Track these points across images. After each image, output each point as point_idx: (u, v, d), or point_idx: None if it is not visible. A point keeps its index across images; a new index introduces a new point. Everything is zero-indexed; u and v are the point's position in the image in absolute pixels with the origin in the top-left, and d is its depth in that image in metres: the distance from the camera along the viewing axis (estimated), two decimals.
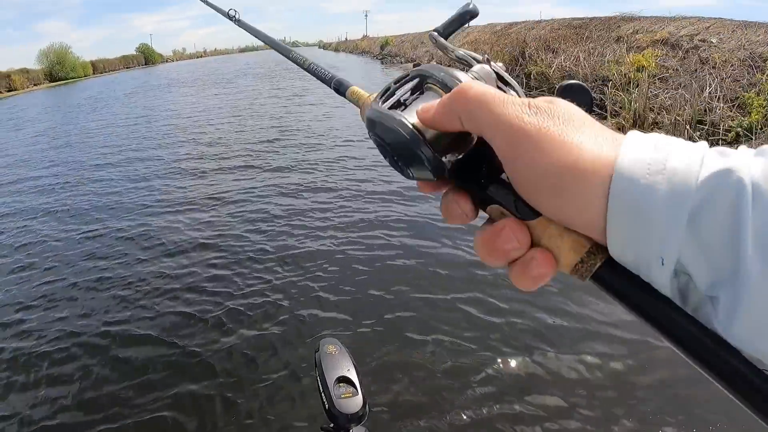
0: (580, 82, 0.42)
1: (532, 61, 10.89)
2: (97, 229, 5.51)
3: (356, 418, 1.34)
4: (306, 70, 0.72)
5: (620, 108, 8.20)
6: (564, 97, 0.34)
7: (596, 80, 9.31)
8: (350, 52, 50.50)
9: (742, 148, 0.27)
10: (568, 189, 0.27)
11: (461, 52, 0.47)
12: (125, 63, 70.27)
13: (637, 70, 8.95)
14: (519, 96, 0.36)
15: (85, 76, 57.12)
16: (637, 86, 8.34)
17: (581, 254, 0.30)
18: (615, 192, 0.26)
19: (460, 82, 0.36)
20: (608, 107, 8.45)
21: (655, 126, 7.88)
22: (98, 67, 62.85)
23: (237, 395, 2.85)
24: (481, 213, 0.36)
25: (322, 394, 1.34)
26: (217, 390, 2.91)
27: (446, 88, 0.36)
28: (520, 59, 11.38)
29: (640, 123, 7.74)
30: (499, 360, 2.93)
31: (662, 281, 0.26)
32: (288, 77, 24.24)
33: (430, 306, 3.55)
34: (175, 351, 3.24)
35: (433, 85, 0.38)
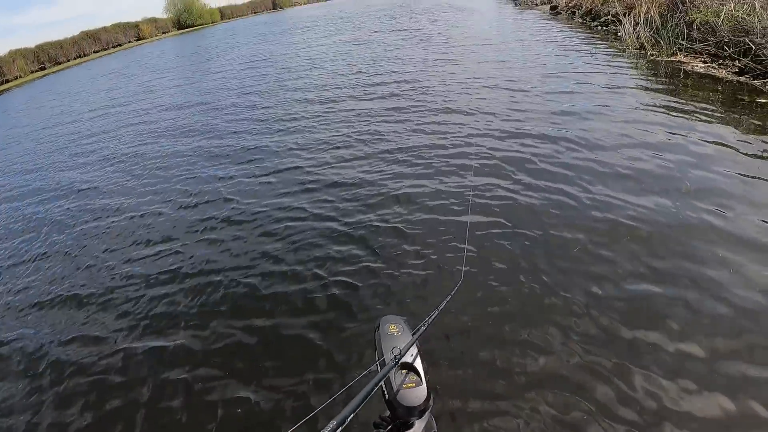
0: None
1: (695, 8, 8.91)
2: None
3: (419, 411, 1.18)
4: None
5: None
6: None
7: None
8: None
9: None
10: None
11: None
12: (253, 8, 73.04)
13: None
14: None
15: (212, 22, 60.25)
16: None
17: None
18: None
19: None
20: None
21: None
22: (225, 14, 66.03)
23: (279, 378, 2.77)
24: None
25: (382, 382, 1.16)
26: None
27: None
28: (680, 5, 9.38)
29: None
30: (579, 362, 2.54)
31: None
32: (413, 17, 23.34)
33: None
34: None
35: None
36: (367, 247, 4.13)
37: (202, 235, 4.98)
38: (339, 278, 3.76)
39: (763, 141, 5.42)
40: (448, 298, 1.61)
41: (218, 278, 4.09)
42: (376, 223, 4.54)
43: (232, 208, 5.46)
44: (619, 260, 3.50)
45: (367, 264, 3.87)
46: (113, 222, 5.79)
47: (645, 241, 3.72)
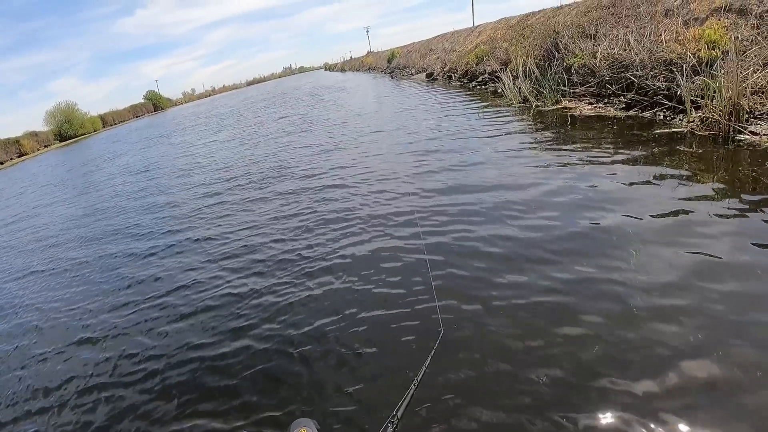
0: None
1: (570, 53, 9.05)
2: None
3: None
4: None
5: (703, 98, 6.28)
6: None
7: (657, 66, 7.42)
8: (357, 70, 49.34)
9: None
10: None
11: None
12: (134, 112, 70.84)
13: (709, 47, 7.07)
14: None
15: (95, 130, 57.32)
16: (712, 67, 6.48)
17: None
18: None
19: None
20: (685, 99, 6.52)
21: (752, 117, 5.97)
22: (108, 120, 63.24)
23: None
24: None
25: None
26: None
27: None
28: (555, 52, 9.55)
29: (735, 114, 5.85)
30: None
31: None
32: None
33: None
34: None
35: None
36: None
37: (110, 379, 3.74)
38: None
39: (673, 174, 5.08)
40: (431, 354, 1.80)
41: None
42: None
43: (144, 344, 4.13)
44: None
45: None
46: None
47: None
